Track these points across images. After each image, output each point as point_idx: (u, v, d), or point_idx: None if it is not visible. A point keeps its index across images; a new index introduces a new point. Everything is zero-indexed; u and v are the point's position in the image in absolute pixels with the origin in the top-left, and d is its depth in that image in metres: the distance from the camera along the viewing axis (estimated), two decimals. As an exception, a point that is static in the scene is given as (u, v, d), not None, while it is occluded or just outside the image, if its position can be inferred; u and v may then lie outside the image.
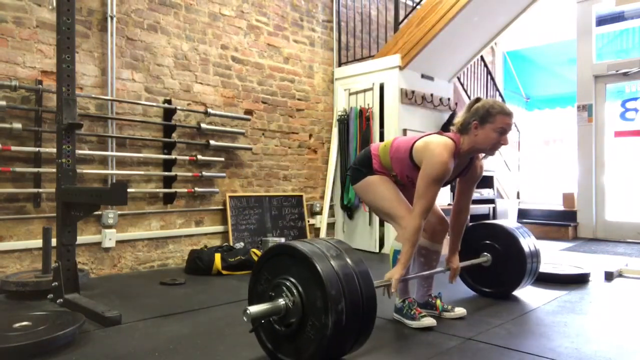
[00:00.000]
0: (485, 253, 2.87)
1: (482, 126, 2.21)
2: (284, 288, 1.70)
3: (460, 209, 2.52)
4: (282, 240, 3.77)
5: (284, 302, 1.69)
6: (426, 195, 2.16)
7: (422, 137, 2.31)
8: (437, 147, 2.17)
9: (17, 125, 3.05)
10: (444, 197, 5.16)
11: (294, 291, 1.68)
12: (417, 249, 2.53)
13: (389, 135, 4.67)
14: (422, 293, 2.55)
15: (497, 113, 2.19)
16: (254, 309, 1.66)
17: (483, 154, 2.37)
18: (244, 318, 1.65)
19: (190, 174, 3.97)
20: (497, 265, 2.84)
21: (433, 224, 2.49)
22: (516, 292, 2.95)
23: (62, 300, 2.54)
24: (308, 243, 1.76)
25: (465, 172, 2.42)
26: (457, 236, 2.57)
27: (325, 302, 1.58)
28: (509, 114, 2.21)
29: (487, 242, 2.89)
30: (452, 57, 5.04)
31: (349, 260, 1.73)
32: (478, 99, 2.30)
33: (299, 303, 1.67)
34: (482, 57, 6.69)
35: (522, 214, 6.90)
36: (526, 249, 2.80)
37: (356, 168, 2.47)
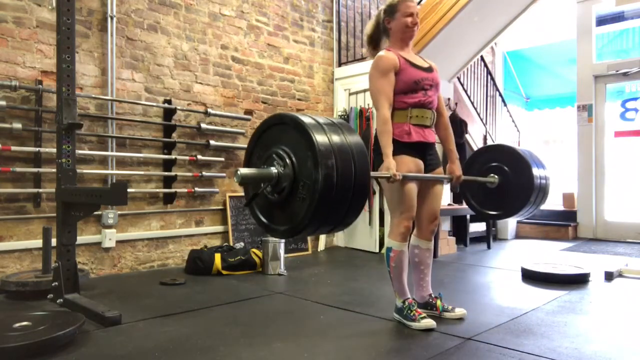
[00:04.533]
0: (493, 174, 2.79)
1: (393, 17, 2.44)
2: (275, 156, 1.71)
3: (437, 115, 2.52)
4: (282, 241, 3.77)
5: (275, 170, 1.70)
6: (376, 86, 2.37)
7: None
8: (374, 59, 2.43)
9: (17, 125, 3.05)
10: (445, 199, 5.16)
11: (286, 158, 1.69)
12: (410, 249, 2.51)
13: (389, 135, 4.66)
14: (420, 294, 2.54)
15: (398, 2, 2.42)
16: (244, 170, 1.67)
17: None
18: (235, 179, 1.66)
19: (190, 174, 3.97)
20: (502, 188, 2.75)
21: (425, 220, 2.48)
22: (516, 292, 2.95)
23: (62, 300, 2.54)
24: (309, 116, 1.75)
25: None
26: (446, 142, 2.57)
27: (315, 158, 1.58)
28: None
29: (496, 164, 2.79)
30: (452, 57, 5.03)
31: (347, 138, 1.71)
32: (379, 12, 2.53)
33: (290, 167, 1.67)
34: (482, 57, 6.69)
35: (522, 214, 6.89)
36: (535, 176, 2.68)
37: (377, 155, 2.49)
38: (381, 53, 2.41)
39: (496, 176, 2.78)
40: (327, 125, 1.68)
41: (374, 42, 2.55)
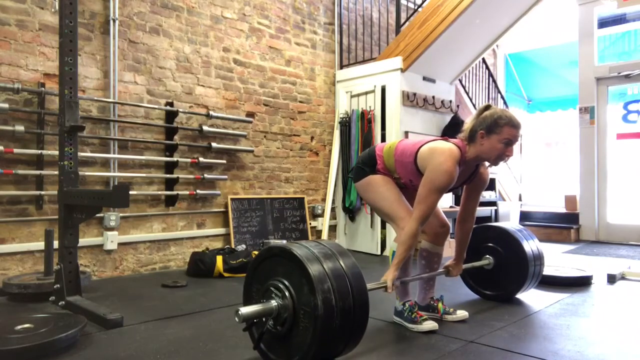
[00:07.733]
0: (487, 256, 2.85)
1: (488, 136, 2.18)
2: (273, 289, 1.73)
3: (466, 217, 2.51)
4: (283, 242, 3.77)
5: (275, 303, 1.70)
6: (427, 201, 2.16)
7: (428, 142, 2.28)
8: (441, 154, 2.16)
9: (20, 127, 3.06)
10: (446, 200, 5.16)
11: (284, 289, 1.70)
12: (419, 251, 2.53)
13: (390, 138, 4.67)
14: (423, 296, 2.54)
15: (504, 124, 2.16)
16: (245, 309, 1.67)
17: (488, 163, 2.35)
18: (236, 319, 1.65)
19: (192, 176, 3.97)
20: (499, 268, 2.82)
21: (435, 227, 2.48)
22: (519, 295, 2.94)
23: (63, 302, 2.54)
24: (298, 244, 1.77)
25: (470, 180, 2.41)
26: (462, 244, 2.55)
27: (310, 284, 1.60)
28: (516, 126, 2.18)
29: (490, 244, 2.87)
30: (454, 60, 5.04)
31: (340, 261, 1.73)
32: (488, 107, 2.27)
33: (288, 297, 1.68)
34: (483, 59, 6.70)
35: (524, 217, 6.89)
36: (529, 252, 2.77)
37: (359, 167, 2.47)
38: (450, 165, 2.12)
39: (491, 257, 2.84)
40: (318, 251, 1.71)
41: (471, 137, 2.24)
